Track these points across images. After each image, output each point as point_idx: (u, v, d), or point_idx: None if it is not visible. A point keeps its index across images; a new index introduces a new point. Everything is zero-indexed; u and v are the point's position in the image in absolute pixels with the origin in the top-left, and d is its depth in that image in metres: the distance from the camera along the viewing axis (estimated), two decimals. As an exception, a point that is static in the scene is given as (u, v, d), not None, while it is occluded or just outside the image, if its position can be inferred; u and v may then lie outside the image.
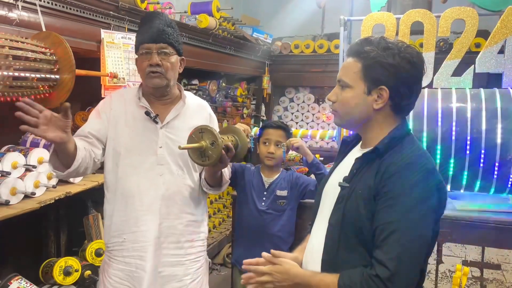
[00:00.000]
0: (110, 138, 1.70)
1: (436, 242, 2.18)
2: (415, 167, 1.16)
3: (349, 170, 1.27)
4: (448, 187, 2.35)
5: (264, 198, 2.26)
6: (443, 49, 4.31)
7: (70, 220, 2.51)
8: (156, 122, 1.69)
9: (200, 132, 1.56)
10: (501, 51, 2.53)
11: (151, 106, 1.71)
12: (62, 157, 1.53)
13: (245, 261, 1.29)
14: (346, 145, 1.43)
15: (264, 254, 1.29)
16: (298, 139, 2.22)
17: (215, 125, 1.84)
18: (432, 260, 2.18)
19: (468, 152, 2.19)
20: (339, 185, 1.26)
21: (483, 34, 3.63)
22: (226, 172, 1.82)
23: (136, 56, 1.72)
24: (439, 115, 2.23)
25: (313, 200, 2.25)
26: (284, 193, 2.25)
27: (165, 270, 1.72)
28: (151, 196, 1.68)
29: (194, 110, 1.80)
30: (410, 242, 1.11)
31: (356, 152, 1.34)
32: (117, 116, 1.71)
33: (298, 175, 2.33)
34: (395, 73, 1.19)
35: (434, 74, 2.56)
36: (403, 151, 1.20)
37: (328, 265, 1.23)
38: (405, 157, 1.18)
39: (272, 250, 1.30)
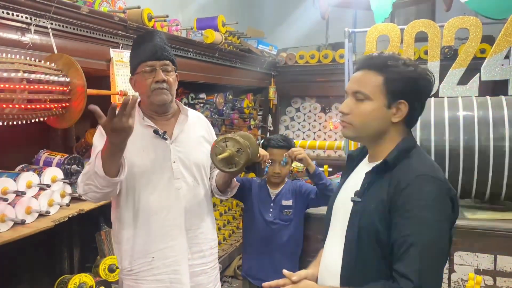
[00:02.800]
0: None
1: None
2: (427, 179, 1.18)
3: (359, 185, 1.28)
4: (458, 196, 2.35)
5: (271, 210, 2.29)
6: (448, 55, 4.32)
7: (83, 236, 2.55)
8: (166, 139, 1.73)
9: (224, 141, 1.66)
10: (507, 56, 2.54)
11: (155, 123, 1.74)
12: (112, 164, 1.50)
13: (264, 284, 1.29)
14: (353, 160, 1.44)
15: (285, 272, 1.28)
16: (300, 149, 2.22)
17: (213, 134, 1.94)
18: (444, 269, 2.17)
19: (476, 160, 2.19)
20: (352, 200, 1.27)
21: (488, 39, 3.64)
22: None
23: (131, 76, 1.74)
24: (446, 124, 2.24)
25: (319, 210, 2.30)
26: (289, 202, 2.29)
27: (193, 281, 1.77)
28: (174, 210, 1.72)
29: (195, 122, 1.87)
30: (430, 253, 1.13)
31: (364, 166, 1.35)
32: None
33: (301, 183, 2.35)
34: (415, 88, 1.23)
35: (440, 82, 2.57)
36: (413, 163, 1.23)
37: (347, 280, 1.24)
38: (416, 169, 1.21)
39: (284, 271, 1.29)
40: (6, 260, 2.16)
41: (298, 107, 5.34)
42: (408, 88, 1.23)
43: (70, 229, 2.48)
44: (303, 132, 5.27)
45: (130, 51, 1.85)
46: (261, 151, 2.01)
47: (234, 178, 1.90)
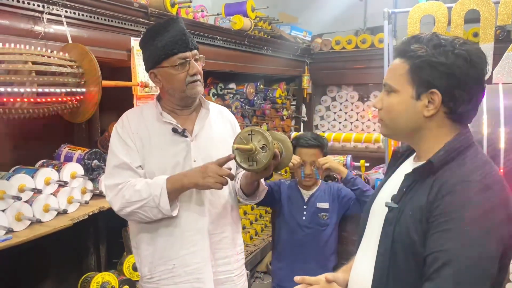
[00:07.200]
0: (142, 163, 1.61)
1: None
2: (477, 185, 0.97)
3: (398, 187, 1.11)
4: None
5: (304, 212, 2.11)
6: (500, 37, 3.93)
7: (110, 231, 2.48)
8: (186, 136, 1.60)
9: (250, 134, 1.45)
10: None
11: (175, 118, 1.62)
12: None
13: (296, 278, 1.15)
14: (397, 157, 1.26)
15: (296, 278, 1.15)
16: (326, 158, 2.10)
17: (238, 130, 1.76)
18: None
19: (538, 156, 1.92)
20: (386, 206, 1.10)
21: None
22: (262, 179, 1.71)
23: (151, 70, 1.60)
24: (502, 114, 1.98)
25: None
26: (325, 205, 2.10)
27: None
28: (195, 213, 1.60)
29: (217, 117, 1.73)
30: (468, 276, 0.92)
31: (408, 165, 1.17)
32: (141, 137, 1.60)
33: (339, 186, 2.16)
34: (448, 74, 1.02)
35: (493, 67, 2.28)
36: (462, 166, 1.02)
37: None
38: (465, 173, 1.00)
39: (296, 278, 1.15)
40: (33, 256, 2.13)
41: (334, 96, 5.08)
42: (439, 74, 1.02)
43: (96, 225, 2.42)
44: (339, 123, 5.01)
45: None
46: (295, 157, 1.85)
47: (263, 182, 1.70)
